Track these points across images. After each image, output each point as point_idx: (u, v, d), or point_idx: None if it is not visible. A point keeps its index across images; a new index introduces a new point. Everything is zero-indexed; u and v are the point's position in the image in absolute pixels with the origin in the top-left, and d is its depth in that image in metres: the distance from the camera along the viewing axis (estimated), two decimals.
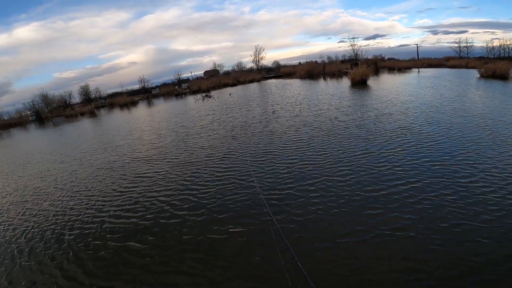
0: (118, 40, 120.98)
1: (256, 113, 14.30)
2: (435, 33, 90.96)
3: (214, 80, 58.33)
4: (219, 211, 4.93)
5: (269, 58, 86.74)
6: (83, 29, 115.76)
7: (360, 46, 53.80)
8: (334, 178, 5.60)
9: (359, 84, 23.02)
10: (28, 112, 63.55)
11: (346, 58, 56.14)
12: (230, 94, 30.83)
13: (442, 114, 9.71)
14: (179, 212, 5.15)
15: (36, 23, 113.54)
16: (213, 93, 38.59)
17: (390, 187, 4.97)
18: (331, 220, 4.22)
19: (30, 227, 5.53)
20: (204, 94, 35.15)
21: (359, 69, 25.09)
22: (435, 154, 6.20)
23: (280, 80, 44.11)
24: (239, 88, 43.50)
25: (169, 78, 78.10)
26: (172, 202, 5.60)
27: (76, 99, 69.91)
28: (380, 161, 6.13)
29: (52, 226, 5.44)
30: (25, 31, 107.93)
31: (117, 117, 28.93)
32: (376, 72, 37.14)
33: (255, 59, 71.53)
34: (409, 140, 7.24)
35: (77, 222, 5.41)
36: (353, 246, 3.59)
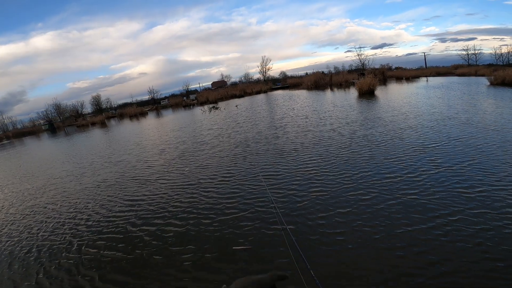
0: (129, 51, 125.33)
1: (263, 127, 14.14)
2: (443, 40, 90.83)
3: (222, 91, 59.18)
4: (232, 223, 4.85)
5: (275, 69, 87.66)
6: (96, 39, 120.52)
7: (367, 56, 54.11)
8: (347, 196, 5.31)
9: (367, 94, 22.95)
10: (41, 121, 65.59)
11: (353, 68, 56.39)
12: (236, 106, 31.13)
13: (455, 126, 9.25)
14: (189, 221, 5.11)
15: (52, 32, 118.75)
16: (220, 104, 39.12)
17: (402, 210, 4.57)
18: (349, 234, 4.09)
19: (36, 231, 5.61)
20: (211, 106, 35.63)
21: (366, 79, 25.07)
22: (457, 179, 5.35)
23: (287, 91, 44.45)
24: (246, 99, 43.94)
25: (177, 89, 79.76)
26: (181, 213, 5.56)
27: (88, 109, 72.05)
28: (394, 184, 5.47)
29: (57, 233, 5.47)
30: (41, 40, 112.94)
31: (126, 128, 29.47)
32: (384, 81, 37.04)
33: (262, 70, 72.55)
34: (429, 161, 6.49)
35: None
36: (370, 263, 3.43)
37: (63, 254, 4.73)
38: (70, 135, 34.30)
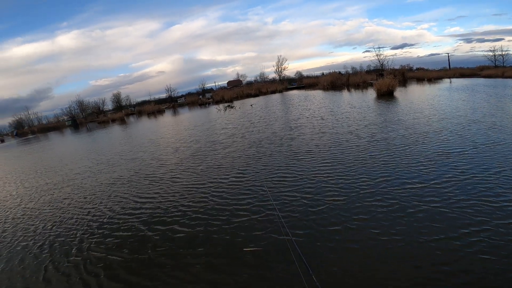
0: (148, 50, 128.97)
1: (277, 127, 13.91)
2: (468, 41, 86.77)
3: (237, 90, 59.48)
4: (235, 228, 4.75)
5: (291, 68, 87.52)
6: (117, 38, 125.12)
7: (386, 56, 52.32)
8: (364, 206, 4.94)
9: (386, 95, 22.23)
10: (65, 117, 68.81)
11: (371, 68, 54.84)
12: (251, 105, 31.16)
13: (481, 131, 8.60)
14: (198, 222, 5.11)
15: (76, 31, 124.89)
16: (236, 103, 39.31)
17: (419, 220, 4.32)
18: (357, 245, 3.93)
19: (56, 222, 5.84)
20: (226, 105, 35.88)
21: (385, 79, 24.30)
22: (484, 187, 4.92)
23: (303, 91, 43.97)
24: (261, 98, 43.91)
25: (194, 87, 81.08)
26: (192, 214, 5.55)
27: (109, 106, 74.83)
28: (415, 192, 5.10)
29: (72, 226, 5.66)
30: (66, 39, 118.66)
31: (144, 126, 30.27)
32: (404, 82, 35.75)
33: (277, 70, 72.25)
34: (452, 167, 6.07)
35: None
36: (386, 275, 3.25)
37: (73, 251, 4.83)
38: (92, 131, 35.70)
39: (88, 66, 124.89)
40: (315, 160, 7.73)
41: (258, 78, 78.23)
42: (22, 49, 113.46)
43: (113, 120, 51.80)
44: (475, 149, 7.01)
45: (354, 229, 4.21)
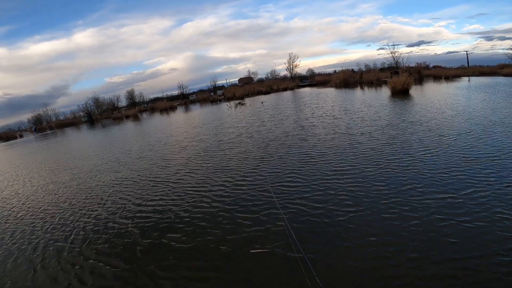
0: (161, 47, 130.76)
1: (287, 127, 13.52)
2: (488, 39, 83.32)
3: (248, 87, 59.47)
4: (240, 232, 4.62)
5: (303, 66, 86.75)
6: (131, 36, 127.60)
7: (401, 54, 50.73)
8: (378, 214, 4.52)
9: (400, 93, 21.67)
10: (81, 113, 71.02)
11: (386, 66, 53.49)
12: (262, 103, 31.10)
13: (509, 135, 7.85)
14: (196, 229, 4.97)
15: (92, 29, 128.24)
16: (246, 100, 39.37)
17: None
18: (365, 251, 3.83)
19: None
20: (237, 102, 35.99)
21: (400, 77, 23.65)
22: None
23: (314, 89, 43.47)
24: (272, 96, 43.74)
25: (205, 84, 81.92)
26: (189, 219, 5.41)
27: (123, 102, 76.58)
28: (443, 203, 4.53)
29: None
30: (82, 37, 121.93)
31: (156, 122, 30.78)
32: (420, 80, 34.70)
33: (288, 67, 71.73)
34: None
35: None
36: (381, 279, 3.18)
37: (65, 254, 4.81)
38: (106, 127, 36.69)
39: (103, 63, 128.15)
40: (327, 163, 7.19)
41: (269, 75, 78.05)
42: (40, 47, 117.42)
43: (127, 117, 53.00)
44: (504, 154, 6.32)
45: (366, 242, 3.80)
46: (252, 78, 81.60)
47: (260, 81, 75.72)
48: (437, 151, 7.09)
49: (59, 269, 4.36)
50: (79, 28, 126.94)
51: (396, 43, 73.45)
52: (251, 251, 3.96)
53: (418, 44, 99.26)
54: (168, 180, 7.89)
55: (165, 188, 7.25)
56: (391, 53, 50.81)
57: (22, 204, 8.09)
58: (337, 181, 5.97)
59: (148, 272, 3.92)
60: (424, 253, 3.45)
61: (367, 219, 4.37)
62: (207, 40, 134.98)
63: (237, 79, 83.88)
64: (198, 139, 13.71)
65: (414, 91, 22.96)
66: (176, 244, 4.50)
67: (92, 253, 4.68)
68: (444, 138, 8.25)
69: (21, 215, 7.11)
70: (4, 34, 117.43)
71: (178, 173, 8.43)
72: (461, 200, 4.56)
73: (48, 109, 77.96)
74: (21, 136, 59.88)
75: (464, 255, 3.35)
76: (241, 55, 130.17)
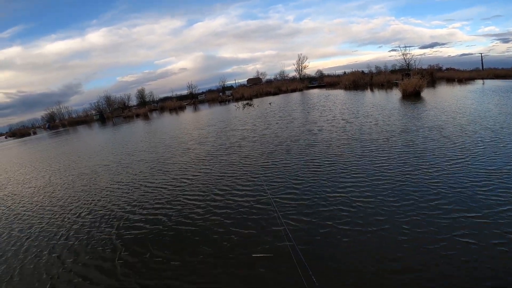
0: (171, 47, 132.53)
1: (295, 131, 13.07)
2: (505, 41, 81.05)
3: (257, 88, 59.54)
4: (237, 232, 4.60)
5: (312, 67, 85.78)
6: (143, 35, 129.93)
7: (414, 55, 49.79)
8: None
9: (412, 96, 21.24)
10: (93, 112, 72.60)
11: (397, 68, 52.54)
12: (270, 104, 31.06)
13: None
14: (195, 232, 4.91)
15: (105, 28, 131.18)
16: (255, 101, 39.40)
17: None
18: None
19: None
20: (245, 102, 36.03)
21: (411, 79, 23.18)
22: None
23: (323, 90, 43.13)
24: (280, 97, 43.61)
25: (214, 84, 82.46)
26: (188, 222, 5.33)
27: (133, 101, 77.94)
28: (478, 226, 3.87)
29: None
30: (95, 36, 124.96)
31: (164, 122, 31.17)
32: (432, 83, 33.95)
33: (297, 68, 71.43)
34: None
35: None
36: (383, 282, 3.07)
37: (42, 263, 4.73)
38: (117, 125, 37.38)
39: (115, 62, 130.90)
40: (334, 173, 6.55)
41: (278, 76, 77.89)
42: (55, 46, 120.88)
43: (137, 115, 53.91)
44: None
45: (382, 268, 3.31)
46: (261, 78, 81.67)
47: (269, 82, 75.70)
48: (459, 161, 6.38)
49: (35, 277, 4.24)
50: (93, 28, 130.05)
51: (408, 45, 71.78)
52: (253, 254, 3.93)
53: (432, 46, 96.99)
54: (168, 184, 7.64)
55: (163, 192, 7.07)
56: (403, 54, 49.93)
57: (17, 203, 8.22)
58: (345, 194, 5.39)
59: (154, 271, 3.96)
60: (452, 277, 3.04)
61: (378, 240, 3.84)
62: (217, 40, 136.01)
63: (246, 79, 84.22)
64: (203, 142, 13.46)
65: (426, 93, 22.45)
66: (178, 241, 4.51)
67: (73, 261, 4.54)
68: (466, 146, 7.46)
69: (15, 214, 7.27)
70: (20, 33, 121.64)
71: (176, 178, 8.13)
72: (489, 221, 3.94)
73: (61, 106, 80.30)
74: (34, 133, 61.83)
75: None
76: (251, 56, 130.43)
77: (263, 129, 14.75)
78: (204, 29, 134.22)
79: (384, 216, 4.39)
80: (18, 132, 66.14)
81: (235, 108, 31.24)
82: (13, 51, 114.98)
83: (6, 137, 70.80)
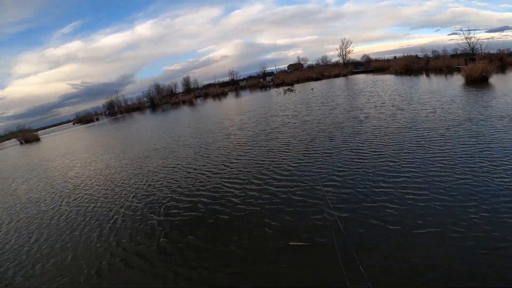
0: (211, 36, 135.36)
1: (338, 117, 12.50)
2: None
3: (298, 73, 58.14)
4: (283, 221, 4.60)
5: (357, 52, 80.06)
6: (184, 25, 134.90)
7: (479, 39, 43.15)
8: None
9: (477, 82, 18.82)
10: (145, 99, 79.19)
11: (458, 52, 46.29)
12: (312, 89, 30.28)
13: None
14: (241, 214, 5.08)
15: (150, 20, 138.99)
16: (296, 86, 38.67)
17: None
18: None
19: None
20: (286, 88, 35.63)
21: (477, 64, 20.47)
22: None
23: (370, 76, 40.35)
24: (323, 82, 42.08)
25: (254, 71, 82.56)
26: (230, 207, 5.47)
27: (180, 89, 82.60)
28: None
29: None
30: (143, 29, 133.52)
31: (207, 108, 32.65)
32: (502, 69, 29.43)
33: (341, 53, 67.43)
34: None
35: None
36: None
37: (93, 243, 5.31)
38: (165, 111, 40.35)
39: (161, 53, 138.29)
40: (382, 164, 6.13)
41: (320, 61, 74.69)
42: (110, 40, 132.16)
43: (183, 102, 57.27)
44: None
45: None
46: (302, 64, 79.21)
47: (311, 67, 73.08)
48: None
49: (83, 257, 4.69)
50: (140, 21, 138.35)
51: (473, 28, 62.14)
52: (290, 243, 3.94)
53: (502, 29, 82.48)
54: (209, 170, 7.94)
55: (205, 178, 7.35)
56: (466, 38, 43.60)
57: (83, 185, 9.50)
58: (395, 187, 5.04)
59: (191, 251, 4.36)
60: None
61: (433, 241, 3.57)
62: (255, 27, 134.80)
63: (287, 65, 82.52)
64: (244, 128, 13.70)
65: (494, 80, 19.67)
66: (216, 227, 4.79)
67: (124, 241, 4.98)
68: None
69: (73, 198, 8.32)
70: (78, 28, 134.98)
71: (217, 162, 8.59)
72: None
73: (118, 95, 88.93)
74: (97, 119, 70.10)
75: None
76: (290, 41, 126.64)
77: (305, 115, 14.49)
78: (241, 16, 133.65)
79: (441, 216, 4.01)
80: (84, 119, 75.18)
81: (276, 94, 31.15)
82: (75, 45, 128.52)
83: (74, 123, 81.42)
